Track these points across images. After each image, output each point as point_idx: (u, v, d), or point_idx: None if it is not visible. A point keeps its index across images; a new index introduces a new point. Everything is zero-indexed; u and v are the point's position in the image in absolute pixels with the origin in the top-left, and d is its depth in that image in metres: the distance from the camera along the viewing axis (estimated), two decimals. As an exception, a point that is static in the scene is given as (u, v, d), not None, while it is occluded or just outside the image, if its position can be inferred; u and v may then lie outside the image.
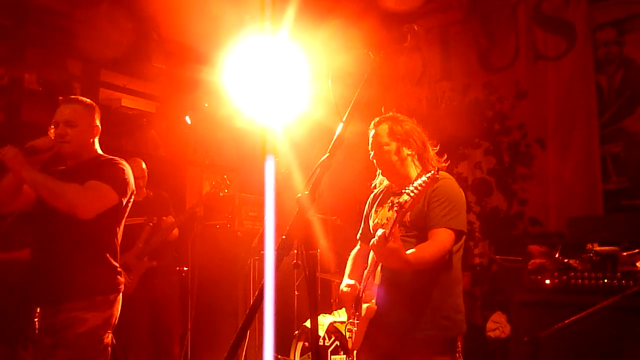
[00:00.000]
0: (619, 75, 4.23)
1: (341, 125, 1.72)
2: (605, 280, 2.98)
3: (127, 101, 5.77)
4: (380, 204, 2.46)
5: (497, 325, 4.02)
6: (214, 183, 4.22)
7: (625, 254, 3.03)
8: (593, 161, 4.21)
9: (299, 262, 1.57)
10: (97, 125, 2.67)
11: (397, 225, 1.97)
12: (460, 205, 2.27)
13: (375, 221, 2.43)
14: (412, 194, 1.93)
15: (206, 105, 5.70)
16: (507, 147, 4.70)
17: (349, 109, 1.73)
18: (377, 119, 2.44)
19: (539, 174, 4.50)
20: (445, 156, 2.46)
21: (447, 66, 5.16)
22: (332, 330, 3.90)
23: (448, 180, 2.29)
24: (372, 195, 2.58)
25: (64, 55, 4.96)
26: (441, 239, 2.17)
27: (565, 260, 3.17)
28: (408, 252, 2.06)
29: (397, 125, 2.39)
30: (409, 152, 2.36)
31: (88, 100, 2.67)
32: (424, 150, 2.40)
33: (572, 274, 3.09)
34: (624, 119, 4.15)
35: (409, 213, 2.05)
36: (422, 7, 4.67)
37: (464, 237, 2.31)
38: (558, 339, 2.96)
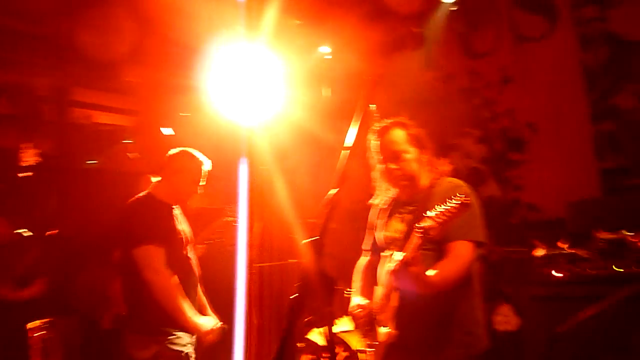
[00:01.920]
0: (605, 52, 4.15)
1: (345, 154, 1.52)
2: (617, 269, 2.90)
3: (100, 117, 5.51)
4: (390, 215, 2.28)
5: (504, 318, 3.93)
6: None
7: (633, 239, 2.95)
8: (586, 141, 4.14)
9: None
10: None
11: (419, 249, 1.82)
12: (478, 214, 2.09)
13: (386, 234, 2.26)
14: (438, 220, 1.77)
15: (187, 114, 5.49)
16: (497, 134, 4.61)
17: (353, 136, 1.54)
18: (383, 125, 2.19)
19: (532, 159, 4.41)
20: (449, 159, 2.32)
21: (429, 56, 5.03)
22: (338, 340, 3.77)
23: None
24: (376, 205, 2.39)
25: (31, 76, 4.71)
26: (462, 253, 2.00)
27: (573, 251, 3.08)
28: (429, 273, 1.91)
29: (410, 129, 2.17)
30: (425, 157, 2.18)
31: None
32: (432, 152, 2.20)
33: (583, 264, 3.00)
34: (614, 96, 4.08)
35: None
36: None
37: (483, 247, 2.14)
38: (574, 331, 2.88)
